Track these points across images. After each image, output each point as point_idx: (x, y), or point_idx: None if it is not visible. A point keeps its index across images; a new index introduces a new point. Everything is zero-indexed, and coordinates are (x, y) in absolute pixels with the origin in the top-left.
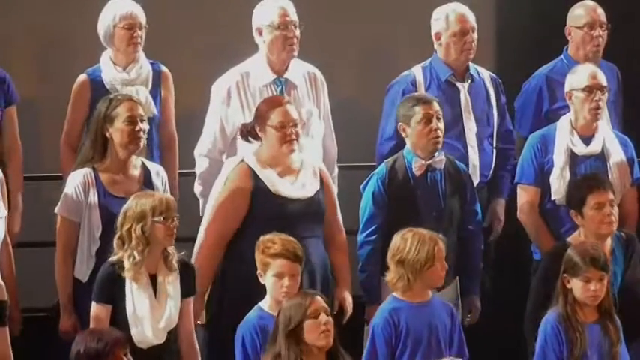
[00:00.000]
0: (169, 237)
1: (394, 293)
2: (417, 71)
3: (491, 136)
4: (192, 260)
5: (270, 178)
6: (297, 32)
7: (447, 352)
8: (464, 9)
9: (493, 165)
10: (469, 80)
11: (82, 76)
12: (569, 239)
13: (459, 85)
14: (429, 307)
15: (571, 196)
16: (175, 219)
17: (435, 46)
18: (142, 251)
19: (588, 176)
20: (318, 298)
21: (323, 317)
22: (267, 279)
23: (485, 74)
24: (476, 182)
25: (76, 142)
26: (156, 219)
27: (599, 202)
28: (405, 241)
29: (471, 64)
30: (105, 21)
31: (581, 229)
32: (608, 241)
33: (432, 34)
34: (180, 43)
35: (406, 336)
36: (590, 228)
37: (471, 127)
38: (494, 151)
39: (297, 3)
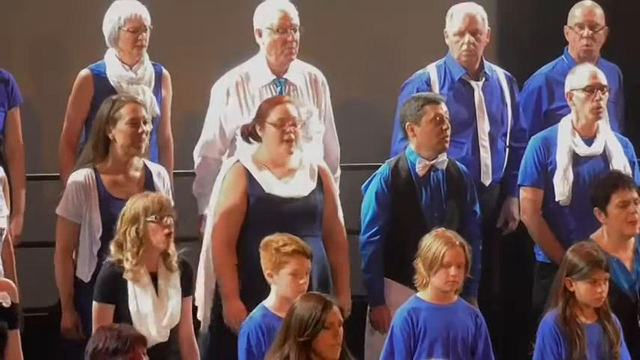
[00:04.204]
0: (164, 236)
1: (417, 294)
2: (432, 70)
3: (505, 135)
4: (201, 264)
5: (265, 178)
6: (297, 36)
7: (467, 357)
8: (472, 9)
9: (505, 164)
10: (483, 79)
11: (85, 71)
12: (591, 237)
13: (472, 84)
14: (451, 310)
15: (595, 193)
16: (169, 218)
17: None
18: (137, 253)
19: (613, 174)
20: (336, 309)
21: (338, 331)
22: (281, 278)
23: (500, 72)
24: (487, 182)
25: (76, 140)
26: (149, 219)
27: (624, 200)
28: (427, 238)
29: (485, 62)
30: (110, 22)
31: (604, 228)
32: (632, 240)
33: None
34: (181, 43)
35: (424, 336)
36: (613, 226)
37: (483, 127)
38: (507, 149)
39: (305, 2)
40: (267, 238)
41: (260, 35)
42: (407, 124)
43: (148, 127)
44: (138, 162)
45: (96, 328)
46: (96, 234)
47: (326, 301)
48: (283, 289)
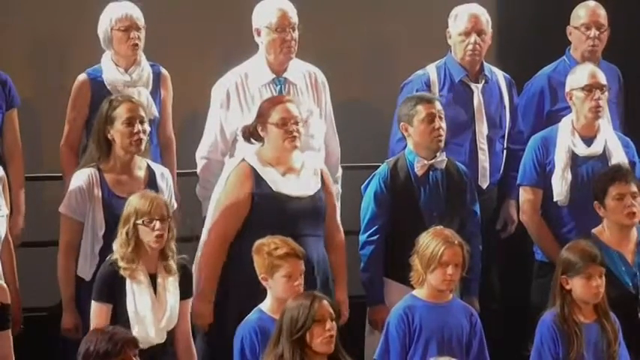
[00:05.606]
0: (155, 239)
1: (413, 292)
2: (432, 71)
3: (503, 137)
4: (195, 262)
5: (271, 177)
6: (296, 35)
7: (462, 356)
8: (476, 10)
9: (503, 166)
10: (483, 81)
11: (82, 76)
12: (593, 231)
13: (472, 86)
14: (447, 308)
15: (594, 187)
16: (159, 222)
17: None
18: (129, 252)
19: (612, 167)
20: (325, 302)
21: (328, 323)
22: (276, 281)
23: (499, 74)
24: (485, 184)
25: (77, 144)
26: (138, 221)
27: (621, 193)
28: (425, 235)
29: (485, 64)
30: (103, 25)
31: (605, 222)
32: (634, 233)
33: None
34: (181, 43)
35: (419, 334)
36: (612, 219)
37: (482, 129)
38: (505, 152)
39: (305, 2)
40: (258, 242)
41: (259, 34)
42: (401, 123)
43: (146, 127)
44: (141, 162)
45: (92, 329)
46: (99, 232)
47: (314, 296)
48: (278, 292)
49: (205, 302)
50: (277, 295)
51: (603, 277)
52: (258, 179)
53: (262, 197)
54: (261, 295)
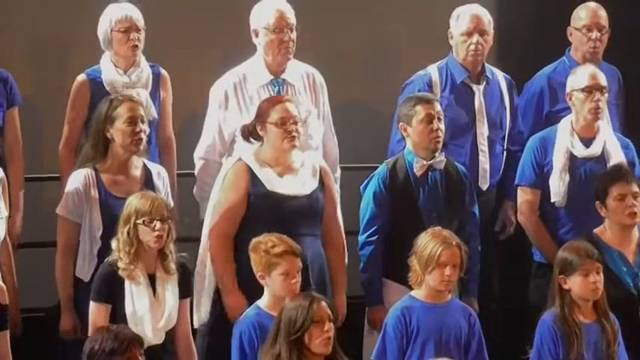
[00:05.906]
0: (155, 239)
1: (411, 292)
2: (433, 71)
3: (504, 138)
4: (199, 263)
5: (267, 176)
6: (294, 35)
7: (460, 356)
8: (478, 10)
9: (503, 167)
10: (484, 82)
11: (82, 77)
12: (595, 231)
13: (474, 87)
14: (445, 309)
15: (596, 187)
16: (159, 221)
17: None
18: (129, 252)
19: (614, 167)
20: (323, 303)
21: (326, 324)
22: (273, 279)
23: (500, 75)
24: (485, 186)
25: (76, 145)
26: (138, 221)
27: (622, 194)
28: (423, 236)
29: (486, 65)
30: (102, 26)
31: (606, 222)
32: (635, 233)
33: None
34: (180, 44)
35: (417, 335)
36: (613, 219)
37: (482, 131)
38: (505, 152)
39: (304, 2)
40: (255, 240)
41: (257, 35)
42: (400, 124)
43: (146, 127)
44: (137, 161)
45: (92, 328)
46: (96, 233)
47: (313, 297)
48: (276, 289)
49: (233, 296)
50: (275, 292)
51: (601, 274)
52: (254, 178)
53: (258, 196)
54: (259, 292)
